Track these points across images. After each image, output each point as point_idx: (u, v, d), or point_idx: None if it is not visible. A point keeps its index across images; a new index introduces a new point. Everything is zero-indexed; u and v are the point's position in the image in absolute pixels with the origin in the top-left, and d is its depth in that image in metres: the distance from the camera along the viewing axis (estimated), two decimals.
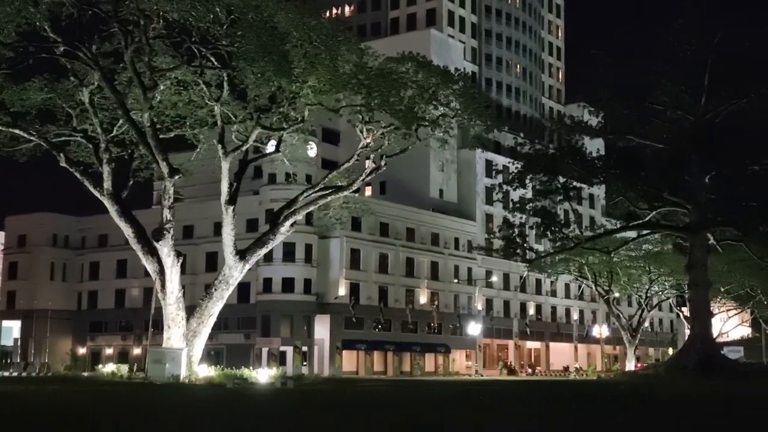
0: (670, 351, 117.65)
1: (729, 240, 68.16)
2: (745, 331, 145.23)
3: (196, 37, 40.99)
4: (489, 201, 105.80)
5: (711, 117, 64.84)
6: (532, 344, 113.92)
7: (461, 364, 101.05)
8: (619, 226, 76.26)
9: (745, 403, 29.58)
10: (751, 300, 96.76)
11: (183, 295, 43.77)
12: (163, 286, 42.67)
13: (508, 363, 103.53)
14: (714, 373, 59.75)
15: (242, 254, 43.97)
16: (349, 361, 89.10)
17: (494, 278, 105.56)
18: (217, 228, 54.01)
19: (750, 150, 63.43)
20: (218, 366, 49.87)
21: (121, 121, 43.31)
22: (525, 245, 72.19)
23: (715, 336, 79.39)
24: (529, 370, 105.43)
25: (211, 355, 73.55)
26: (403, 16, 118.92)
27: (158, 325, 52.24)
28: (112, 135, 43.97)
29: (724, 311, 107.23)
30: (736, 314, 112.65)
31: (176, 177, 42.11)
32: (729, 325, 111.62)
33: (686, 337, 78.49)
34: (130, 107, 42.42)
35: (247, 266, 44.76)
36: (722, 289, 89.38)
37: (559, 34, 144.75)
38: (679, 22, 62.27)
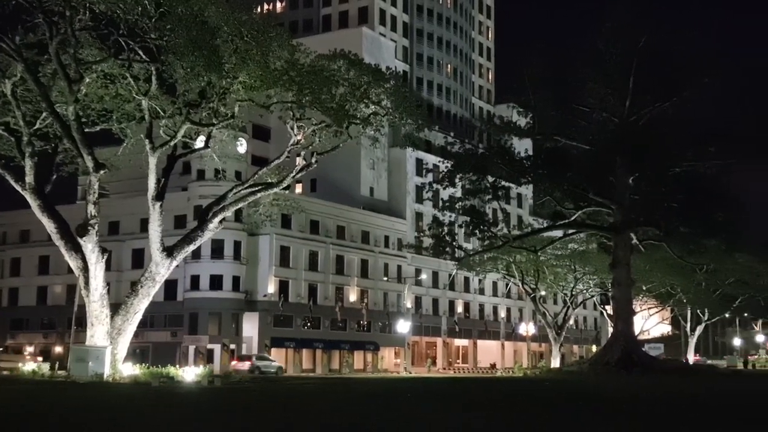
0: (594, 348, 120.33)
1: (651, 240, 70.08)
2: (666, 328, 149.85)
3: (124, 30, 40.13)
4: (419, 199, 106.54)
5: (635, 119, 66.52)
6: (460, 342, 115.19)
7: (390, 362, 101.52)
8: (545, 225, 77.71)
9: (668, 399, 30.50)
10: (671, 298, 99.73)
11: (108, 293, 42.87)
12: (86, 283, 41.72)
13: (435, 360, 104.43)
14: (635, 370, 61.39)
15: (169, 251, 43.30)
16: (278, 359, 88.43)
17: (423, 276, 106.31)
18: (144, 224, 53.14)
19: (672, 152, 65.31)
20: (144, 364, 49.13)
21: (44, 114, 42.16)
22: (454, 244, 72.96)
23: (636, 333, 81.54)
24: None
25: (137, 354, 72.36)
26: (335, 14, 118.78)
27: (81, 323, 51.09)
28: (35, 128, 42.73)
29: (645, 309, 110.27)
30: (657, 312, 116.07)
31: (102, 172, 41.21)
32: (650, 322, 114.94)
33: (609, 335, 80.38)
34: (54, 100, 41.30)
35: (175, 263, 44.10)
36: (644, 288, 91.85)
37: (490, 35, 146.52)
38: (605, 26, 63.74)
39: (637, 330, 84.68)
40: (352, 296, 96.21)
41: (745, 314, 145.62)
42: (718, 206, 68.63)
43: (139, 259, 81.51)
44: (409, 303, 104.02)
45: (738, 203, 71.25)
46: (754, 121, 64.39)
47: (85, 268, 41.71)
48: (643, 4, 62.79)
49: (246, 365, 71.70)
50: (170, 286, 78.97)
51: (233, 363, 74.71)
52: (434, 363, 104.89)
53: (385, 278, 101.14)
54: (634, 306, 79.22)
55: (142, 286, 43.01)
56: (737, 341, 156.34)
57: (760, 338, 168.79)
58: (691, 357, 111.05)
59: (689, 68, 64.54)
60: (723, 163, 67.06)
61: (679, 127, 68.35)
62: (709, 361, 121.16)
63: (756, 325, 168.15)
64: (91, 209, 41.47)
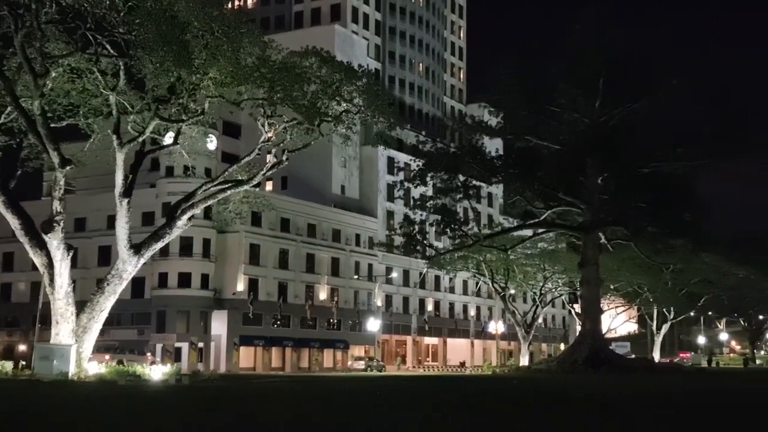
0: (562, 346, 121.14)
1: (619, 239, 70.73)
2: (633, 327, 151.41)
3: (91, 24, 39.54)
4: (390, 198, 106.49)
5: (605, 120, 67.07)
6: (430, 340, 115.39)
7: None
8: (516, 224, 78.12)
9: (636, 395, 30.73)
10: (638, 297, 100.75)
11: (73, 290, 42.29)
12: (51, 280, 41.11)
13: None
14: (603, 368, 61.93)
15: (137, 248, 42.81)
16: (247, 358, 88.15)
17: (394, 275, 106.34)
18: (111, 221, 52.39)
19: (641, 153, 65.91)
20: (110, 362, 48.56)
21: (9, 109, 41.44)
22: (425, 242, 73.07)
23: (604, 332, 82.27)
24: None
25: (103, 352, 71.46)
26: (308, 11, 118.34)
27: (46, 321, 50.31)
28: None
29: (613, 308, 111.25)
30: (624, 311, 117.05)
31: (68, 168, 40.59)
32: (618, 321, 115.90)
33: (577, 333, 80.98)
34: (19, 94, 40.59)
35: (142, 260, 43.61)
36: (612, 287, 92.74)
37: (462, 35, 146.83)
38: (576, 27, 64.15)
39: (604, 328, 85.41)
40: (323, 294, 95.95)
41: (710, 313, 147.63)
42: (686, 206, 69.43)
43: (106, 257, 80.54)
44: (379, 301, 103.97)
45: (704, 204, 72.17)
46: (720, 122, 65.11)
47: (50, 265, 41.11)
48: (613, 5, 63.44)
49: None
50: (137, 283, 78.23)
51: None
52: (404, 361, 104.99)
53: (356, 276, 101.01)
54: (601, 305, 79.93)
55: (108, 284, 42.49)
56: (701, 339, 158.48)
57: (723, 337, 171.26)
58: (661, 356, 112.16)
59: (658, 70, 65.22)
60: (690, 164, 67.91)
61: (648, 129, 69.09)
62: (676, 359, 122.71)
63: (720, 324, 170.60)
64: (57, 205, 40.87)
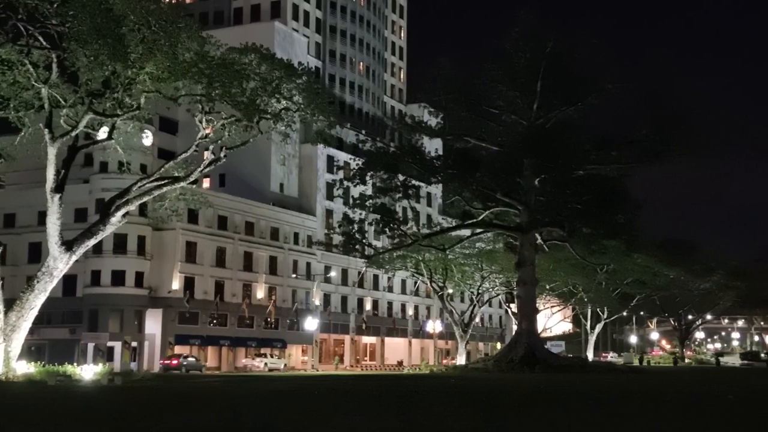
0: (499, 345, 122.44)
1: (555, 240, 71.81)
2: (567, 326, 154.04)
3: (23, 15, 38.55)
4: (330, 197, 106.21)
5: (542, 122, 68.06)
6: (368, 339, 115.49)
7: (297, 359, 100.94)
8: (454, 224, 78.65)
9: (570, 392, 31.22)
10: (573, 297, 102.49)
11: (2, 288, 41.24)
12: None
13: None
14: (538, 366, 62.82)
15: (69, 245, 41.89)
16: None
17: (333, 273, 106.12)
18: (42, 217, 51.05)
19: (576, 155, 67.02)
20: (39, 362, 47.47)
21: None
22: (364, 241, 73.05)
23: (540, 331, 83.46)
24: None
25: (32, 351, 69.83)
26: (247, 7, 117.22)
27: None
28: None
29: (549, 308, 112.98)
30: (559, 311, 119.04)
31: None
32: (553, 320, 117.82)
33: (514, 332, 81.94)
34: None
35: (74, 258, 42.72)
36: (548, 287, 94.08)
37: (402, 35, 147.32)
38: (515, 30, 64.89)
39: (540, 328, 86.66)
40: (260, 293, 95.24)
41: (642, 313, 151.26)
42: (620, 208, 70.81)
43: (36, 254, 78.44)
44: (317, 300, 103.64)
45: (638, 205, 73.68)
46: (652, 125, 66.61)
47: None
48: (551, 10, 64.43)
49: None
50: (69, 281, 76.53)
51: None
52: (342, 360, 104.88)
53: (294, 275, 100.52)
54: (537, 304, 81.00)
55: (38, 281, 41.51)
56: (634, 339, 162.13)
57: (654, 336, 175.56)
58: (594, 354, 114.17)
59: (593, 74, 66.45)
60: (624, 166, 69.34)
61: (583, 131, 70.36)
62: (609, 358, 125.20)
63: (651, 324, 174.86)
64: None
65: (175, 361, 77.47)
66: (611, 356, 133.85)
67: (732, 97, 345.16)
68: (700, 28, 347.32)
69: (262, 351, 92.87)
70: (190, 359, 79.58)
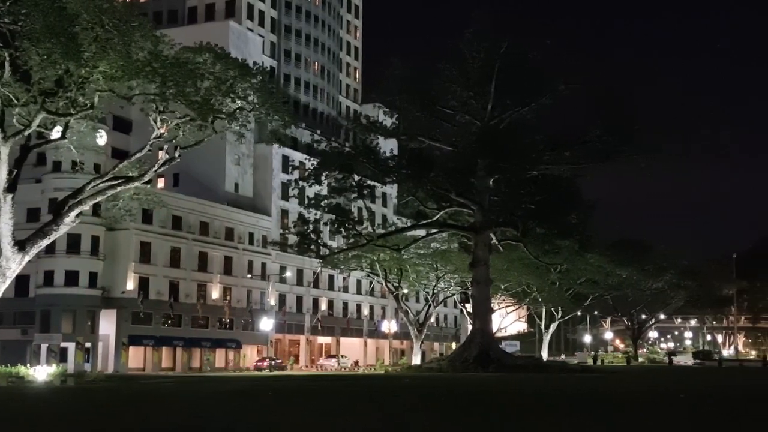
0: (454, 345, 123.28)
1: (509, 240, 72.65)
2: (522, 326, 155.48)
3: None
4: (285, 196, 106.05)
5: (496, 123, 68.88)
6: (324, 339, 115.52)
7: (252, 360, 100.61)
8: (409, 224, 79.21)
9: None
10: (527, 297, 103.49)
11: None
12: None
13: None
14: (492, 366, 63.57)
15: (21, 245, 41.44)
16: (136, 358, 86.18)
17: (288, 274, 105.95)
18: None
19: (529, 155, 67.94)
20: None
21: None
22: (319, 241, 73.23)
23: (494, 331, 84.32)
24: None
25: None
26: (202, 6, 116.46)
27: None
28: None
29: (503, 307, 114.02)
30: (513, 310, 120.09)
31: None
32: (507, 320, 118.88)
33: (468, 332, 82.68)
34: None
35: (27, 258, 42.26)
36: (502, 287, 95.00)
37: (357, 35, 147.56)
38: (469, 31, 65.60)
39: (494, 328, 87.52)
40: (215, 293, 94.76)
41: (595, 312, 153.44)
42: (572, 208, 71.95)
43: None
44: (272, 301, 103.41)
45: (590, 205, 74.92)
46: (604, 126, 67.71)
47: None
48: (505, 11, 65.33)
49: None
50: (21, 281, 75.20)
51: None
52: (297, 360, 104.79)
53: (249, 275, 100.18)
54: (492, 304, 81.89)
55: None
56: (587, 338, 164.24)
57: (608, 335, 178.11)
58: (549, 354, 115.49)
59: (547, 75, 67.44)
60: (577, 166, 70.40)
61: (536, 132, 71.31)
62: (563, 357, 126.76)
63: (604, 323, 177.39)
64: None
65: (265, 363, 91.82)
66: (563, 356, 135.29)
67: (717, 96, 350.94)
68: (685, 29, 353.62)
69: (332, 352, 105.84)
70: (276, 361, 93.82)
